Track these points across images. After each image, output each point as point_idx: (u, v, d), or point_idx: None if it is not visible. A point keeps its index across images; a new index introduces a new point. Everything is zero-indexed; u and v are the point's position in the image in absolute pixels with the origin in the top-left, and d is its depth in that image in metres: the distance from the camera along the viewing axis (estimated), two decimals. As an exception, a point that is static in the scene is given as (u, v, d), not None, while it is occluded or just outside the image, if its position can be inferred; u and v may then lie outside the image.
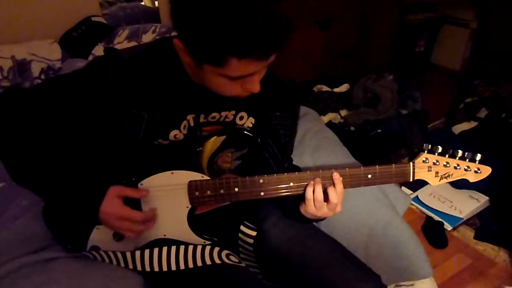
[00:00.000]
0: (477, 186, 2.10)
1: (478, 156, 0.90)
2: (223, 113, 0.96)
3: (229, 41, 0.69)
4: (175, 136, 0.92)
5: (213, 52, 0.73)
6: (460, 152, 0.90)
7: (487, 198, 2.08)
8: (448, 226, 1.94)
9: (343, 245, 1.04)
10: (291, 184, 0.91)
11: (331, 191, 0.89)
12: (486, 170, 0.91)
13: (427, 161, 0.91)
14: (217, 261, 0.91)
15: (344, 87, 2.96)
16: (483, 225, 1.94)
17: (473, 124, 2.61)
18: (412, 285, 1.31)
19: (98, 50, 2.07)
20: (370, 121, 2.62)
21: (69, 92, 0.87)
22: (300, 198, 0.94)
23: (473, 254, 1.82)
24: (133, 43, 2.12)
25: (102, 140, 0.91)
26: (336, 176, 0.90)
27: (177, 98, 0.90)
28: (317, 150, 1.45)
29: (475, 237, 1.89)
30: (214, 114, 0.95)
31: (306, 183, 0.91)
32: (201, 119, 0.94)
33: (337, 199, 0.90)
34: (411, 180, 0.92)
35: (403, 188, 2.18)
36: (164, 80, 0.89)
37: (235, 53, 0.71)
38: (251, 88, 0.82)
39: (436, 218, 1.98)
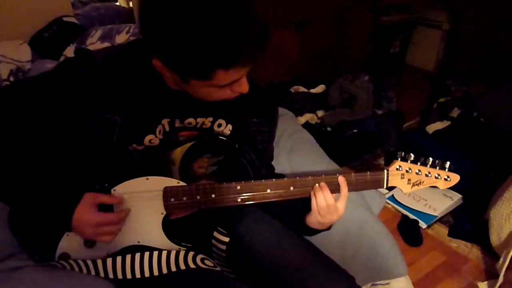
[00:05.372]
0: (451, 184, 2.14)
1: (447, 164, 0.94)
2: (199, 120, 0.94)
3: (212, 56, 0.69)
4: (150, 141, 0.90)
5: (198, 68, 0.73)
6: (431, 160, 0.93)
7: (460, 196, 2.12)
8: (423, 224, 1.97)
9: (317, 247, 1.04)
10: (268, 190, 0.91)
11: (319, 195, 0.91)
12: (455, 178, 0.95)
13: (400, 169, 0.94)
14: (192, 265, 0.90)
15: (320, 88, 2.97)
16: (457, 222, 1.98)
17: (446, 123, 2.66)
18: (387, 284, 1.32)
19: (70, 51, 2.02)
20: (346, 122, 2.64)
21: (36, 95, 0.84)
22: (304, 210, 0.96)
23: (447, 251, 1.85)
24: (106, 44, 2.07)
25: (73, 144, 0.88)
26: (341, 179, 0.92)
27: (152, 102, 0.88)
28: (293, 151, 1.46)
29: (449, 235, 1.92)
30: (189, 119, 0.93)
31: (282, 190, 0.91)
32: (177, 124, 0.93)
33: (331, 201, 0.91)
34: (385, 187, 0.95)
35: (379, 187, 2.21)
36: (138, 84, 0.86)
37: (220, 66, 0.71)
38: (241, 90, 0.82)
39: (411, 216, 2.01)
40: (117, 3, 3.15)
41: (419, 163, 0.93)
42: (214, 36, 0.67)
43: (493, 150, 2.36)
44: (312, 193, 0.92)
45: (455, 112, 2.72)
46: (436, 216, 2.01)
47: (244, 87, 0.82)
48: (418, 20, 3.58)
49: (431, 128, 2.66)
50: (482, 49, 3.17)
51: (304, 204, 0.98)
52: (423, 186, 0.95)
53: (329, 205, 0.90)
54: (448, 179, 0.94)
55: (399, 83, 3.49)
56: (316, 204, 0.91)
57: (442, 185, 0.95)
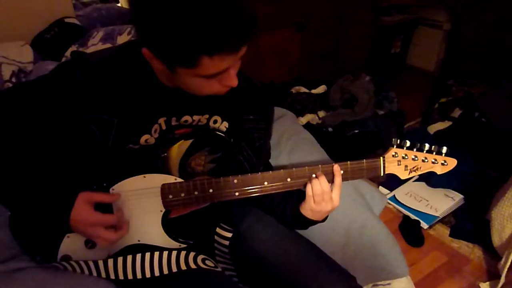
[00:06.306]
0: (452, 185, 2.14)
1: (444, 149, 0.93)
2: (196, 117, 0.94)
3: (197, 40, 0.69)
4: (146, 141, 0.90)
5: (183, 54, 0.72)
6: (427, 146, 0.92)
7: (461, 196, 2.12)
8: (424, 225, 1.97)
9: (318, 247, 1.04)
10: (266, 183, 0.91)
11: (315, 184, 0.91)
12: (452, 162, 0.94)
13: (396, 155, 0.93)
14: (193, 266, 0.90)
15: (321, 88, 2.98)
16: (458, 223, 1.98)
17: (447, 123, 2.66)
18: (389, 284, 1.32)
19: (71, 52, 2.02)
20: (347, 122, 2.65)
21: (35, 98, 0.85)
22: (299, 201, 0.95)
23: (448, 252, 1.85)
24: (108, 45, 2.07)
25: (70, 145, 0.88)
26: (336, 168, 0.91)
27: (148, 102, 0.88)
28: (294, 152, 1.45)
29: (451, 235, 1.92)
30: (186, 117, 0.93)
31: (280, 182, 0.91)
32: (173, 122, 0.93)
33: (327, 188, 0.91)
34: (382, 174, 0.94)
35: (380, 187, 2.21)
36: (134, 84, 0.87)
37: (205, 51, 0.71)
38: (229, 83, 0.81)
39: (413, 217, 2.01)
40: (119, 4, 3.15)
41: (415, 149, 0.93)
42: (198, 21, 0.67)
43: (494, 150, 2.36)
44: (308, 180, 0.91)
45: (457, 113, 2.72)
46: (438, 216, 2.00)
47: (232, 80, 0.81)
48: (419, 20, 3.58)
49: (433, 128, 2.66)
50: (483, 49, 3.17)
51: (299, 196, 0.97)
52: (420, 172, 0.94)
53: (324, 191, 0.90)
54: (445, 163, 0.94)
55: (400, 83, 3.50)
56: (311, 189, 0.90)
57: (439, 170, 0.94)
